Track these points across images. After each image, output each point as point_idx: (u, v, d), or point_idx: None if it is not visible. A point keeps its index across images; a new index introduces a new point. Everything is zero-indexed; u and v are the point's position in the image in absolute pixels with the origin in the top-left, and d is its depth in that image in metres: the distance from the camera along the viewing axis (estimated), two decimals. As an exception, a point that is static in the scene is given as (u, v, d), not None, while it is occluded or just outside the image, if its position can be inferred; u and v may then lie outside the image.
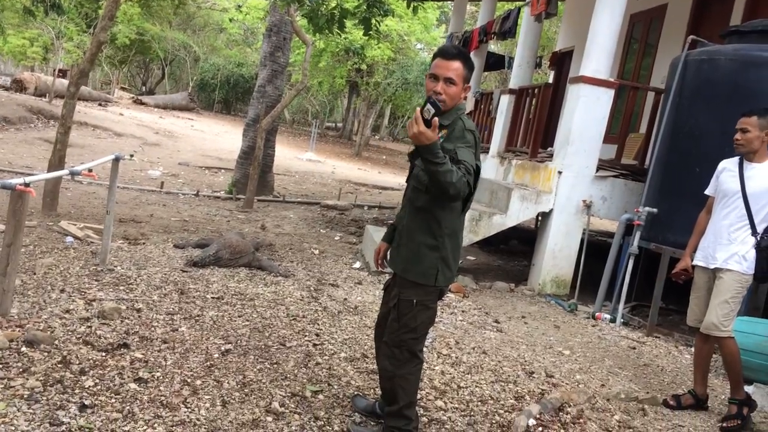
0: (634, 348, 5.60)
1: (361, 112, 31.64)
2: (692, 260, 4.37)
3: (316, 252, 7.46)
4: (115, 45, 28.51)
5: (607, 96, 7.00)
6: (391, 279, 3.13)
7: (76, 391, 3.03)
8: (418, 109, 2.47)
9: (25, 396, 2.90)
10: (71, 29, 24.39)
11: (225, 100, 35.26)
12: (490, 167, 9.54)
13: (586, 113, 6.97)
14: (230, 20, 31.64)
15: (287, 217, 9.76)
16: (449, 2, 17.31)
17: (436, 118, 2.47)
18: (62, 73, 23.22)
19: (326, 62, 25.54)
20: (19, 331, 3.60)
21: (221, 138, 21.73)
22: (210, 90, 34.02)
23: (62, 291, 4.51)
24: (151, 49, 31.67)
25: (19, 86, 20.67)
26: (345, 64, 25.69)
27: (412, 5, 8.38)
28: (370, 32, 8.65)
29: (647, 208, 6.31)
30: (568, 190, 7.07)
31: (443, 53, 2.85)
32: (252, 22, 29.89)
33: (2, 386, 2.95)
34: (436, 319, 3.08)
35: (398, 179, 19.20)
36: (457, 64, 2.80)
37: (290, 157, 19.86)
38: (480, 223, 7.01)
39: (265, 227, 8.52)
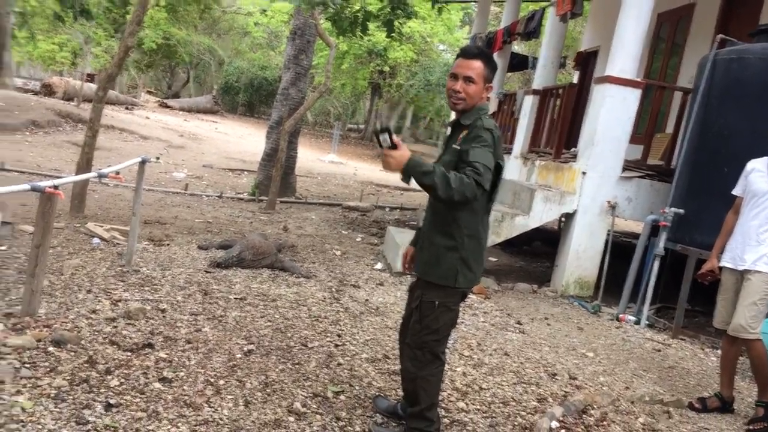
0: (659, 350, 5.52)
1: (384, 114, 31.68)
2: (719, 261, 4.30)
3: (338, 253, 7.48)
4: (141, 49, 28.90)
5: (633, 96, 6.92)
6: (415, 281, 3.13)
7: (102, 390, 3.07)
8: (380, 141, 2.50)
9: (51, 395, 2.94)
10: (99, 34, 24.79)
11: (249, 103, 35.54)
12: (513, 168, 9.49)
13: (611, 113, 6.90)
14: (255, 24, 31.91)
15: (309, 219, 9.80)
16: (473, 3, 17.26)
17: (396, 138, 2.50)
18: (90, 78, 23.61)
19: (349, 64, 25.62)
20: (46, 331, 3.66)
21: (245, 140, 21.90)
22: (234, 93, 34.35)
23: (89, 291, 4.57)
24: (176, 53, 32.05)
25: (48, 90, 21.04)
26: (367, 66, 25.76)
27: (436, 6, 8.36)
28: (393, 34, 8.66)
29: (674, 209, 6.22)
30: (592, 191, 7.00)
31: (464, 52, 2.87)
32: (276, 25, 30.12)
33: (30, 385, 3.00)
34: (458, 321, 3.07)
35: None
36: (477, 63, 2.80)
37: (312, 159, 19.96)
38: (502, 224, 6.97)
39: (287, 228, 8.57)
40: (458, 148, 2.76)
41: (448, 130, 3.01)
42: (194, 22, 32.30)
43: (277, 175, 10.39)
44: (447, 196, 2.47)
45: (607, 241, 7.07)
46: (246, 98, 34.66)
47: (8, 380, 2.99)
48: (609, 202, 6.99)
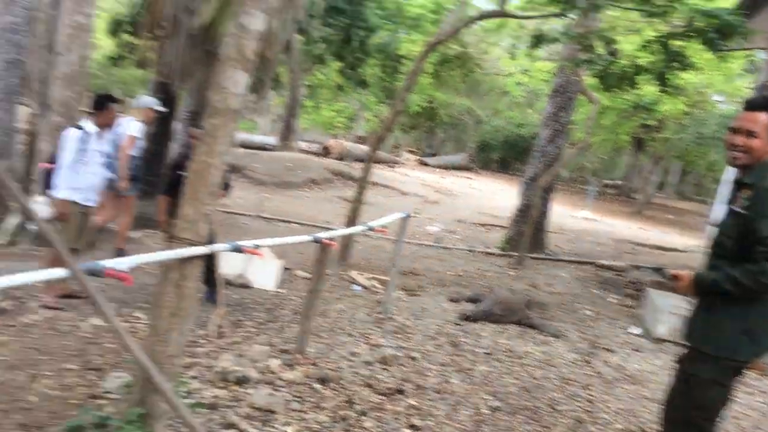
0: None
1: (645, 169, 29.82)
2: None
3: (590, 313, 7.14)
4: (408, 113, 31.19)
5: None
6: (685, 351, 2.84)
7: (357, 430, 3.29)
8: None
9: (314, 429, 3.23)
10: (371, 101, 27.36)
11: (503, 160, 36.06)
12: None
13: None
14: (517, 83, 32.55)
15: (559, 276, 9.52)
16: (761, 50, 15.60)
17: (673, 271, 2.71)
18: (360, 139, 26.09)
19: (610, 119, 24.70)
20: (313, 368, 4.05)
21: (497, 196, 22.20)
22: (489, 150, 35.19)
23: (350, 335, 4.97)
24: (437, 114, 33.96)
25: (325, 152, 23.69)
26: (631, 120, 24.57)
27: (717, 55, 7.72)
28: (667, 87, 8.19)
29: None
30: None
31: (748, 104, 2.69)
32: (537, 84, 30.38)
33: (298, 417, 3.33)
34: (731, 399, 2.72)
35: (685, 240, 17.54)
36: (763, 116, 2.57)
37: (565, 214, 19.43)
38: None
39: (536, 285, 8.42)
40: (741, 212, 2.51)
41: (730, 188, 2.75)
42: (456, 85, 34.01)
43: (528, 231, 10.33)
44: (743, 292, 2.46)
45: None
46: (500, 155, 35.26)
47: (280, 411, 3.36)
48: None
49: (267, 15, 2.86)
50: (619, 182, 37.29)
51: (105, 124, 5.27)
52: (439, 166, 29.32)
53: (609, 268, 10.80)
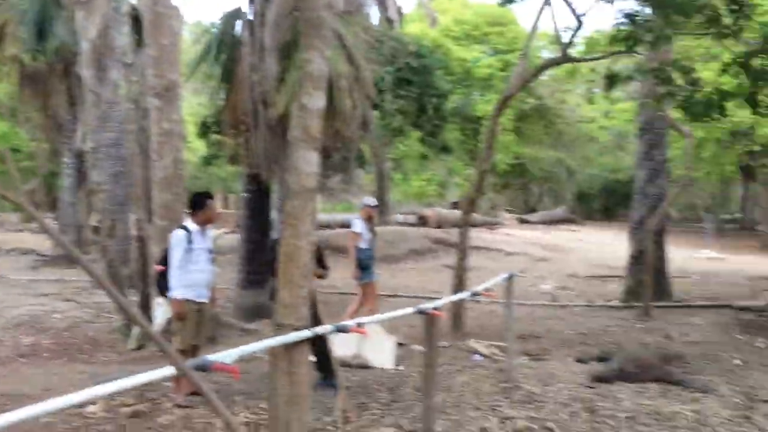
0: None
1: (762, 198, 27.86)
2: None
3: (738, 362, 6.49)
4: (496, 173, 31.02)
5: None
6: None
7: None
8: None
9: None
10: (458, 165, 27.46)
11: (605, 208, 34.93)
12: None
13: None
14: (600, 128, 31.85)
15: (693, 324, 8.81)
16: None
17: None
18: (455, 205, 26.04)
19: (710, 151, 23.48)
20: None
21: (606, 246, 21.27)
22: (589, 200, 34.25)
23: (477, 408, 4.72)
24: (528, 170, 33.55)
25: (422, 221, 23.75)
26: (733, 149, 23.24)
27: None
28: (759, 108, 7.70)
29: None
30: None
31: None
32: (621, 125, 29.59)
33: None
34: None
35: (828, 269, 15.96)
36: None
37: (685, 257, 18.27)
38: None
39: (669, 336, 7.82)
40: None
41: None
42: (540, 138, 33.65)
43: (647, 278, 9.73)
44: None
45: None
46: (601, 203, 34.19)
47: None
48: None
49: (338, 94, 2.91)
50: (737, 215, 35.03)
51: (205, 221, 5.42)
52: (541, 222, 28.70)
53: (749, 309, 9.91)
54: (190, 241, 5.24)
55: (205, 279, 5.40)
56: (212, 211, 5.50)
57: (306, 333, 2.74)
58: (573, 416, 4.61)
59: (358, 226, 7.84)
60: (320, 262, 5.71)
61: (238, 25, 9.45)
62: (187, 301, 5.20)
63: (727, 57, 8.05)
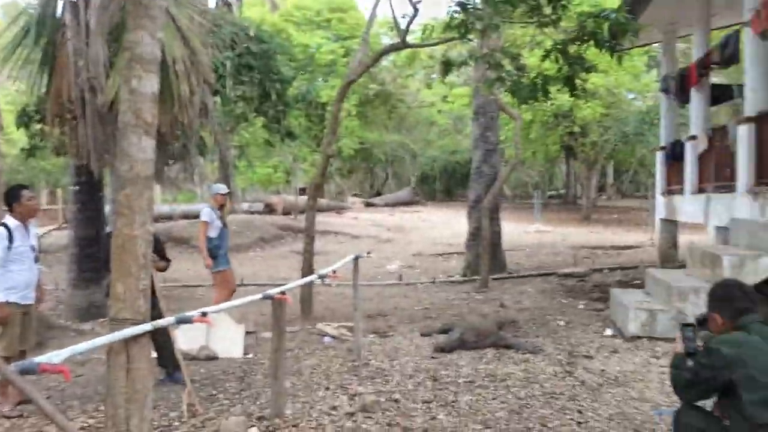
0: None
1: (582, 175, 30.64)
2: None
3: (562, 323, 7.13)
4: (342, 158, 31.34)
5: None
6: None
7: (352, 485, 3.13)
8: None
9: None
10: (304, 151, 27.38)
11: (445, 189, 36.61)
12: (740, 207, 8.51)
13: None
14: (438, 112, 33.25)
15: (525, 292, 9.55)
16: (656, 45, 16.33)
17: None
18: (303, 191, 25.99)
19: (537, 132, 25.41)
20: (294, 430, 3.87)
21: (448, 224, 22.36)
22: (431, 181, 35.71)
23: (327, 389, 4.80)
24: (372, 154, 34.26)
25: (269, 209, 23.49)
26: (556, 130, 25.32)
27: (616, 56, 8.04)
28: (576, 92, 8.46)
29: None
30: None
31: None
32: (459, 109, 31.10)
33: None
34: None
35: (635, 236, 17.95)
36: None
37: (518, 231, 19.70)
38: (744, 270, 6.18)
39: (504, 305, 8.41)
40: None
41: None
42: (383, 123, 34.49)
43: (485, 253, 10.37)
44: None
45: None
46: (442, 184, 35.80)
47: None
48: None
49: (174, 79, 2.81)
50: (562, 191, 38.19)
51: (25, 215, 4.99)
52: (386, 205, 29.47)
53: (571, 275, 10.92)
54: (11, 240, 4.79)
55: (29, 279, 4.96)
56: (30, 202, 5.04)
57: (146, 326, 2.63)
58: (418, 386, 4.83)
59: (207, 214, 7.61)
60: (161, 254, 5.47)
61: (60, 6, 8.69)
62: (10, 303, 4.77)
63: (548, 44, 8.68)
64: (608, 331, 6.58)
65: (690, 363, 2.70)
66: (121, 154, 2.70)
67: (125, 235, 2.65)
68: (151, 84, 2.75)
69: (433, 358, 5.67)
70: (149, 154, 2.72)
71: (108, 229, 10.02)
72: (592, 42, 7.66)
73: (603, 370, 5.14)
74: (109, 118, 7.99)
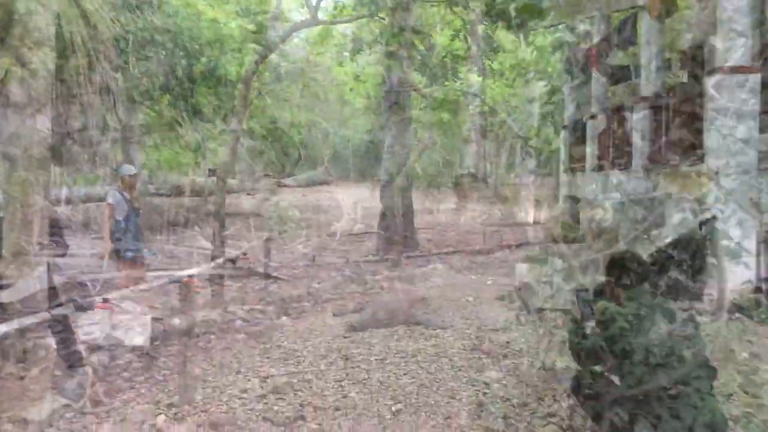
0: None
1: (492, 154, 31.48)
2: None
3: (471, 299, 7.35)
4: (253, 137, 30.73)
5: (752, 83, 6.43)
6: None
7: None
8: None
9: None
10: (214, 132, 26.66)
11: (359, 168, 36.68)
12: (635, 184, 9.02)
13: (731, 104, 6.42)
14: (351, 90, 33.17)
15: (436, 269, 9.76)
16: (561, 25, 16.90)
17: None
18: (212, 172, 25.33)
19: (447, 111, 25.86)
20: (203, 415, 3.82)
21: (363, 204, 22.44)
22: (344, 161, 35.67)
23: (238, 372, 4.75)
24: (285, 134, 33.78)
25: (177, 191, 22.77)
26: (466, 110, 25.86)
27: (522, 37, 8.30)
28: (485, 73, 8.67)
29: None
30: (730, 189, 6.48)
31: None
32: (372, 88, 31.12)
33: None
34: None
35: (542, 213, 18.67)
36: None
37: (430, 210, 20.05)
38: (638, 242, 6.58)
39: (415, 283, 8.57)
40: None
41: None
42: (296, 102, 34.03)
43: (396, 233, 10.50)
44: None
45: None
46: (356, 164, 35.84)
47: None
48: (752, 197, 6.42)
49: (72, 55, 2.68)
50: (473, 170, 39.06)
51: None
52: (300, 185, 29.24)
53: (479, 252, 11.24)
54: None
55: None
56: None
57: (44, 315, 2.52)
58: (330, 365, 4.87)
59: (113, 197, 7.26)
60: (59, 238, 5.21)
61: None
62: None
63: (457, 24, 8.84)
64: (514, 305, 6.84)
65: (588, 330, 2.86)
66: (12, 134, 2.55)
67: (14, 218, 2.52)
68: (45, 60, 2.61)
69: (345, 337, 5.72)
70: (43, 133, 2.59)
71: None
72: (500, 22, 7.83)
73: (508, 343, 5.35)
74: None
